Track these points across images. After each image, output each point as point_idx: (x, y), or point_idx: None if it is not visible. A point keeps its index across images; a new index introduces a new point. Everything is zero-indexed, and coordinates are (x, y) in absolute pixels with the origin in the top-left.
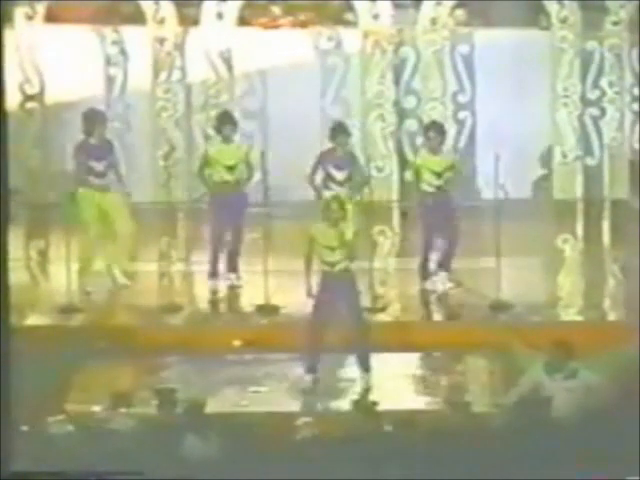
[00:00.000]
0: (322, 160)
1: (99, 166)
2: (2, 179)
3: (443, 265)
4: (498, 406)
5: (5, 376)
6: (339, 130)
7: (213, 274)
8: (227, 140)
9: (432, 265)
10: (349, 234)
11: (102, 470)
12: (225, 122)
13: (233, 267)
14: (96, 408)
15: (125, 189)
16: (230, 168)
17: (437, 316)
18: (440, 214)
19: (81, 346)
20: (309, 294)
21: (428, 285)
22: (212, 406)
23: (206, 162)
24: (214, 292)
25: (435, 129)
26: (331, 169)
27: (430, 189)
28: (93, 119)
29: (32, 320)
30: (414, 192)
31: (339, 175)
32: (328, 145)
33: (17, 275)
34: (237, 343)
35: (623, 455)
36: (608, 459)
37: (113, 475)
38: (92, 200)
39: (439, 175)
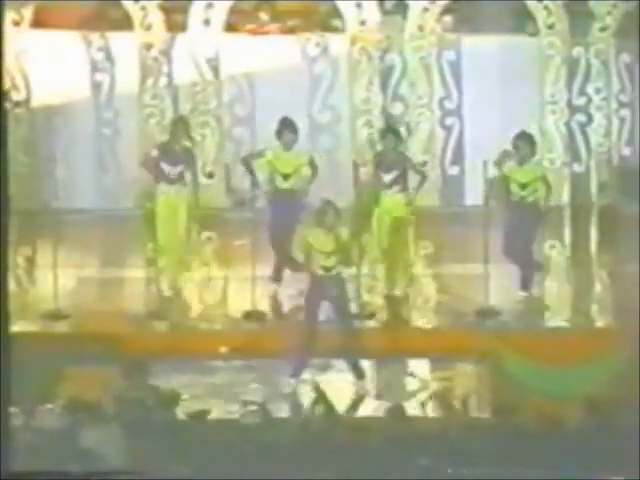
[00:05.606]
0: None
1: (173, 171)
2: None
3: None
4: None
5: (6, 379)
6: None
7: (276, 279)
8: (286, 147)
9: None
10: (344, 239)
11: (102, 470)
12: (285, 128)
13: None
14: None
15: (195, 197)
16: (286, 176)
17: (424, 322)
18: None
19: (68, 352)
20: (309, 299)
21: None
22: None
23: (263, 166)
24: (274, 297)
25: (524, 139)
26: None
27: (515, 199)
28: (178, 125)
29: (19, 327)
30: (500, 201)
31: None
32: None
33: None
34: (224, 349)
35: (623, 456)
36: (608, 460)
37: (113, 475)
38: (163, 204)
39: (524, 186)
